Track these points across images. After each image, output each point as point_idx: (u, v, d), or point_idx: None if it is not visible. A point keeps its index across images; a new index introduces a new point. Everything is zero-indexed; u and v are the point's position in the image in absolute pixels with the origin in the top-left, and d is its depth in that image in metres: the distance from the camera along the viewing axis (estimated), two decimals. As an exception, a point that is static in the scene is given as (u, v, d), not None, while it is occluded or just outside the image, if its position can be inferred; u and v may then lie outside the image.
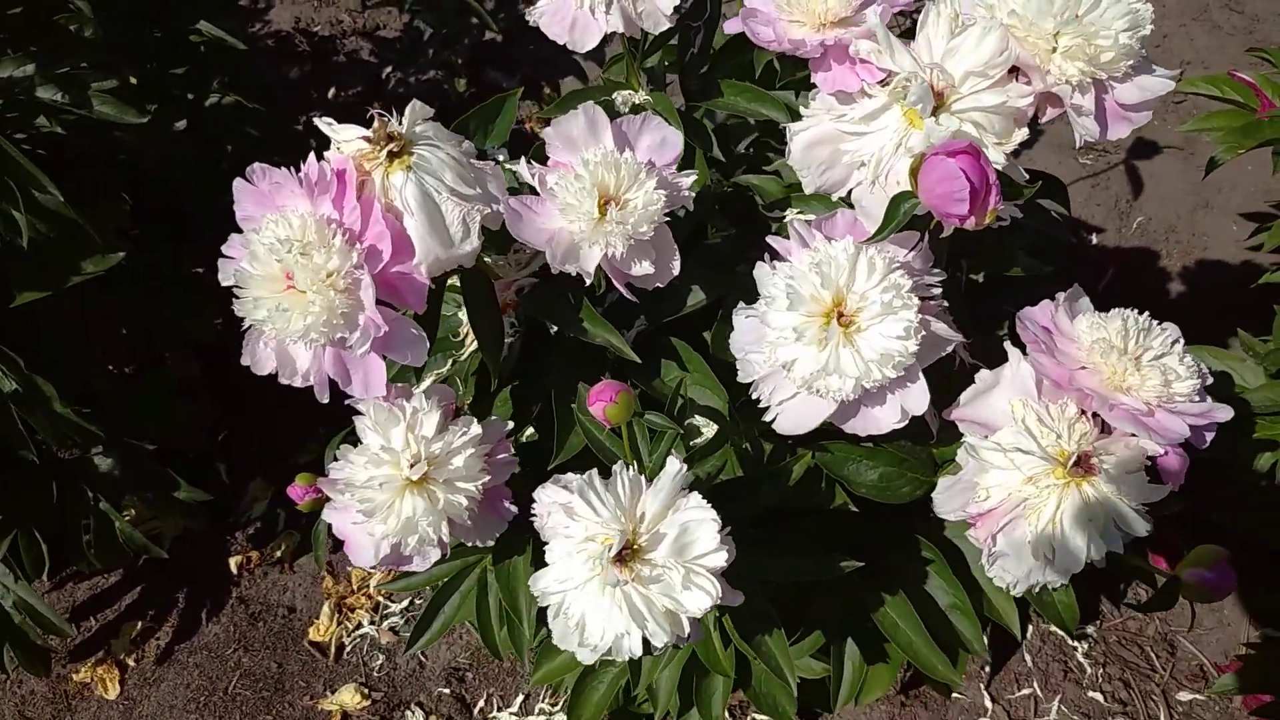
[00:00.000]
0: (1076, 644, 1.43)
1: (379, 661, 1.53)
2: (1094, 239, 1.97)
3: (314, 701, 1.50)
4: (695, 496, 0.71)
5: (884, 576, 1.02)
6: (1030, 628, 1.45)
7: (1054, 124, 2.13)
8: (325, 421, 1.75)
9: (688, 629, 0.71)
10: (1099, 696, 1.38)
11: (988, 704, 1.38)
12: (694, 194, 0.82)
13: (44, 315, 1.16)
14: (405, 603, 1.58)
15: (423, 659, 1.52)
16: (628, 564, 0.69)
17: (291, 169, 0.73)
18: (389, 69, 2.38)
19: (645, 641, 0.71)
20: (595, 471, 0.71)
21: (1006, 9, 0.71)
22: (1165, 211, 2.00)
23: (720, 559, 0.70)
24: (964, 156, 0.63)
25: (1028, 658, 1.42)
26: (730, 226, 1.06)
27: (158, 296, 1.38)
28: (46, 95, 0.98)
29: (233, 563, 1.63)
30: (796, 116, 0.81)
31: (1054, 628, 1.45)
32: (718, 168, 1.13)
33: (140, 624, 1.58)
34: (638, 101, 1.00)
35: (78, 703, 1.52)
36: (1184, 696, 1.39)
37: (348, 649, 1.54)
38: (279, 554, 1.63)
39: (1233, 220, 1.97)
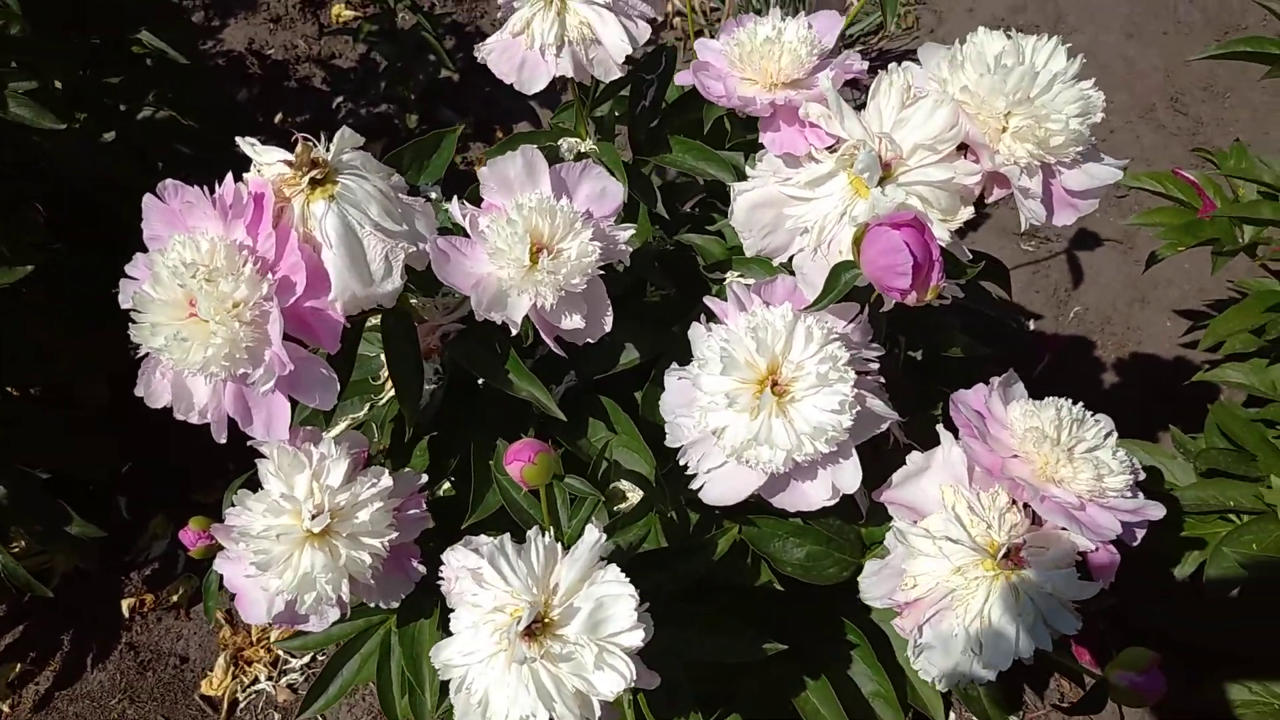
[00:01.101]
0: (1000, 736, 1.40)
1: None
2: (1031, 324, 1.99)
3: (200, 760, 1.41)
4: (613, 569, 0.67)
5: (808, 659, 0.99)
6: (953, 714, 1.42)
7: (998, 207, 2.16)
8: (236, 458, 1.68)
9: (599, 712, 0.66)
10: (1017, 792, 1.36)
11: (908, 793, 1.34)
12: (632, 249, 0.79)
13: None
14: (306, 659, 1.50)
15: None
16: (537, 639, 0.64)
17: (205, 189, 0.69)
18: (340, 98, 2.34)
19: (551, 722, 0.66)
20: (508, 536, 0.67)
21: (959, 84, 0.70)
22: (1103, 302, 2.02)
23: (636, 638, 0.66)
24: (909, 230, 0.61)
25: (953, 748, 1.39)
26: (670, 285, 1.04)
27: (70, 318, 1.31)
28: (-45, 95, 0.93)
29: (125, 605, 1.54)
30: (743, 178, 0.79)
31: (971, 714, 1.42)
32: (662, 225, 1.11)
33: (19, 666, 1.48)
34: (583, 150, 0.98)
35: (-60, 748, 1.42)
36: (1103, 796, 1.36)
37: (241, 705, 1.46)
38: (175, 598, 1.55)
39: (1167, 316, 2.00)
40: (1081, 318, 2.01)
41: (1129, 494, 0.74)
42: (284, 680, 1.48)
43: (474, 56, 2.23)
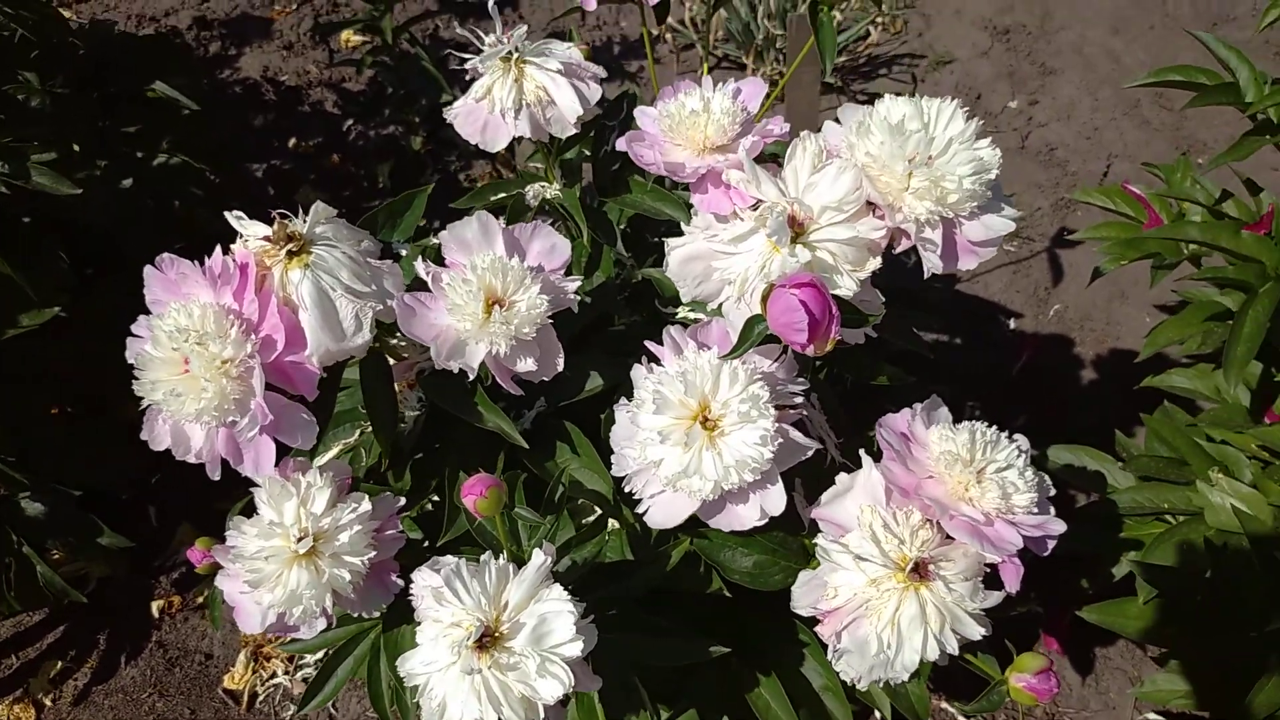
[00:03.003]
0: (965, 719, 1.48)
1: (289, 712, 1.54)
2: (1012, 323, 2.04)
3: (225, 749, 1.52)
4: (557, 588, 0.75)
5: (762, 658, 1.06)
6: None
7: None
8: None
9: (543, 715, 0.74)
10: (982, 772, 1.43)
11: (876, 776, 1.42)
12: (583, 296, 0.86)
13: (-25, 366, 1.19)
14: (319, 655, 1.60)
15: (333, 710, 1.54)
16: (488, 650, 0.72)
17: (197, 262, 0.77)
18: (351, 121, 2.43)
19: (502, 723, 0.74)
20: (463, 561, 0.75)
21: (864, 150, 0.77)
22: (1082, 300, 2.07)
23: (575, 649, 0.74)
24: (808, 289, 0.69)
25: (917, 733, 1.46)
26: (635, 315, 1.11)
27: (105, 343, 1.41)
28: (-14, 165, 1.02)
29: (155, 606, 1.64)
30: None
31: (945, 704, 1.49)
32: (634, 255, 1.18)
33: (60, 663, 1.59)
34: (549, 196, 1.05)
35: (-10, 740, 1.52)
36: (1065, 776, 1.43)
37: (260, 698, 1.56)
38: (201, 600, 1.65)
39: (1146, 313, 2.04)
40: (1061, 315, 2.06)
41: (1035, 510, 0.81)
42: (299, 674, 1.58)
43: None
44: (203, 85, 2.20)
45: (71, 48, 1.43)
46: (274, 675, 1.57)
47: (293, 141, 2.38)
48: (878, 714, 1.45)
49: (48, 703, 1.56)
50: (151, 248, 1.50)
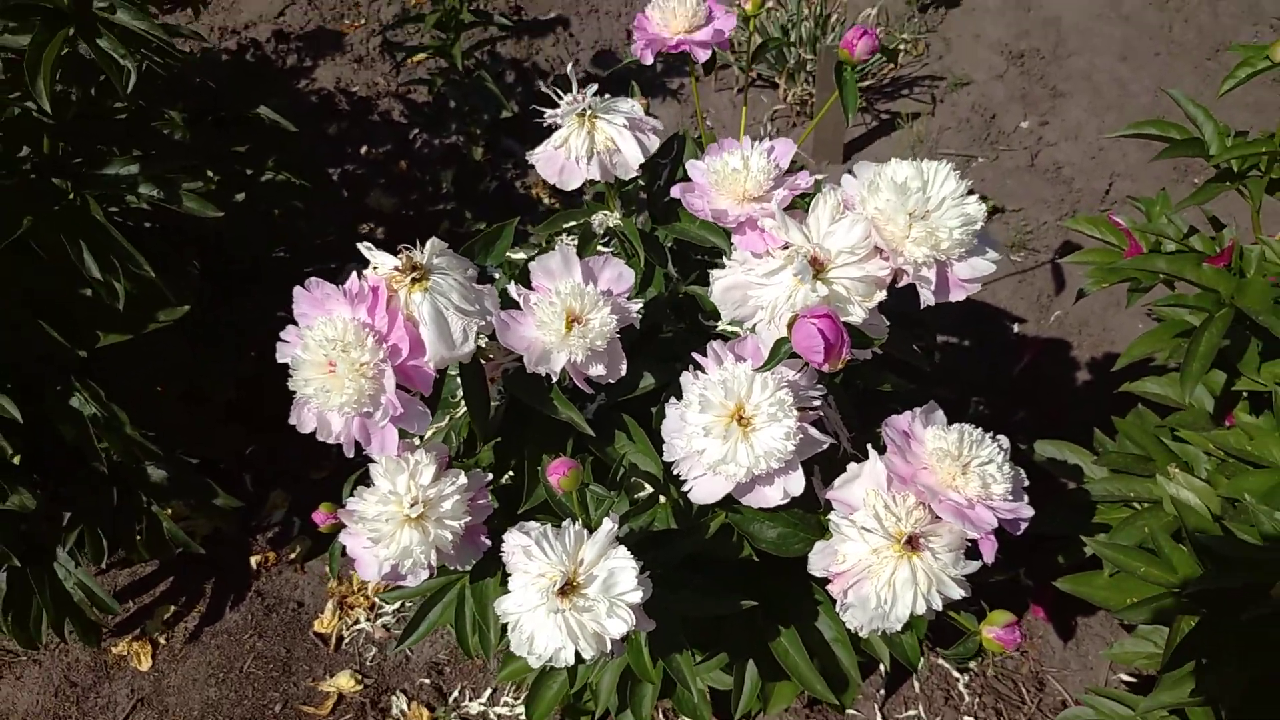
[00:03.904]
0: (959, 675, 1.63)
1: (372, 653, 1.73)
2: (1016, 328, 2.18)
3: (315, 683, 1.70)
4: (622, 549, 0.92)
5: (782, 614, 1.23)
6: (923, 660, 1.65)
7: (999, 225, 2.31)
8: (336, 446, 1.96)
9: (610, 647, 0.91)
10: (972, 722, 1.59)
11: (879, 722, 1.59)
12: (641, 313, 1.03)
13: (122, 353, 1.37)
14: (397, 605, 1.78)
15: (409, 654, 1.72)
16: (567, 596, 0.89)
17: (338, 285, 0.94)
18: (417, 130, 2.60)
19: (577, 654, 0.91)
20: (549, 526, 0.92)
21: (873, 205, 0.92)
22: (1082, 307, 2.21)
23: (637, 596, 0.91)
24: (824, 320, 0.84)
25: (917, 685, 1.63)
26: (680, 324, 1.27)
27: (211, 340, 1.59)
28: (146, 191, 1.19)
29: (253, 561, 1.83)
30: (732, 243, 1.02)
31: (941, 659, 1.65)
32: (680, 271, 1.34)
33: (172, 608, 1.78)
34: (610, 224, 1.21)
35: (115, 672, 1.72)
36: (1046, 729, 1.59)
37: (346, 641, 1.74)
38: (293, 556, 1.84)
39: (1139, 320, 2.18)
40: (1061, 321, 2.20)
41: (1009, 498, 0.96)
42: (379, 621, 1.76)
43: (530, 94, 2.47)
44: (285, 99, 2.37)
45: (189, 77, 1.60)
46: (357, 622, 1.76)
47: (364, 149, 2.55)
48: (882, 667, 1.62)
49: (162, 641, 1.76)
50: (259, 256, 1.68)
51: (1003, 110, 2.64)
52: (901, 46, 2.73)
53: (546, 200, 2.44)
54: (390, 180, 2.47)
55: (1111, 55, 2.77)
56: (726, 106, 2.68)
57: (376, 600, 1.78)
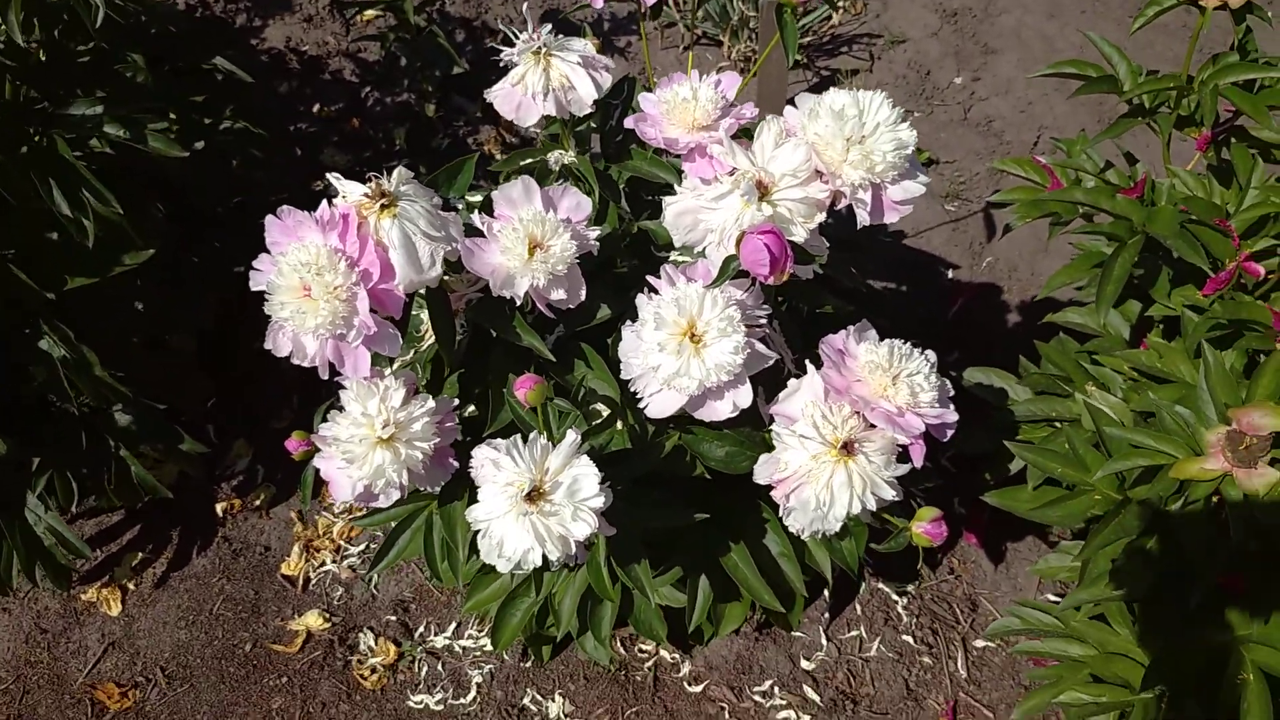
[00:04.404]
0: (898, 598, 1.73)
1: (339, 593, 1.77)
2: (950, 273, 2.27)
3: (284, 623, 1.74)
4: (585, 458, 0.98)
5: (733, 530, 1.30)
6: (864, 585, 1.74)
7: (933, 177, 2.39)
8: (299, 392, 2.00)
9: (574, 550, 0.98)
10: (910, 640, 1.68)
11: (824, 642, 1.67)
12: (599, 242, 1.08)
13: (89, 297, 1.39)
14: (362, 546, 1.82)
15: (374, 592, 1.77)
16: (534, 502, 0.95)
17: (309, 212, 0.98)
18: (368, 89, 2.61)
19: (545, 558, 0.97)
20: (518, 437, 0.98)
21: (813, 131, 0.99)
22: (1011, 253, 2.31)
23: (599, 501, 0.97)
24: (769, 235, 0.91)
25: (858, 608, 1.71)
26: (634, 259, 1.33)
27: (173, 286, 1.61)
28: (112, 131, 1.21)
29: (219, 508, 1.86)
30: (682, 179, 1.08)
31: (881, 584, 1.74)
32: (632, 209, 1.40)
33: (140, 555, 1.81)
34: (566, 162, 1.26)
35: (85, 618, 1.74)
36: (979, 644, 1.69)
37: (313, 582, 1.79)
38: (258, 503, 1.87)
39: (1065, 262, 2.28)
40: (993, 266, 2.30)
41: (936, 405, 1.03)
42: (345, 562, 1.80)
43: (481, 50, 2.49)
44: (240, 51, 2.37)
45: (144, 26, 1.61)
46: (323, 564, 1.80)
47: (316, 107, 2.56)
48: (826, 593, 1.70)
49: (131, 587, 1.78)
50: (218, 203, 1.70)
51: (937, 67, 2.72)
52: (841, 5, 2.79)
53: (499, 155, 2.47)
54: (343, 138, 2.48)
55: (1040, 13, 2.86)
56: (673, 64, 2.72)
57: (341, 542, 1.83)
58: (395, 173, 0.99)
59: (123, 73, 1.31)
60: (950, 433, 1.06)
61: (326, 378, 1.01)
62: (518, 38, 1.15)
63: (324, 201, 0.99)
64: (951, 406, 1.05)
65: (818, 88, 2.65)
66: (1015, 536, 1.82)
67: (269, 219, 1.00)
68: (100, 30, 1.12)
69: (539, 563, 0.97)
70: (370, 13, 2.70)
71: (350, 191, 0.98)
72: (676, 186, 1.07)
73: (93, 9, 1.08)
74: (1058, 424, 1.41)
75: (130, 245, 1.36)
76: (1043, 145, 2.55)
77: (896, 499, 1.01)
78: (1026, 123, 2.60)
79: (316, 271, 0.94)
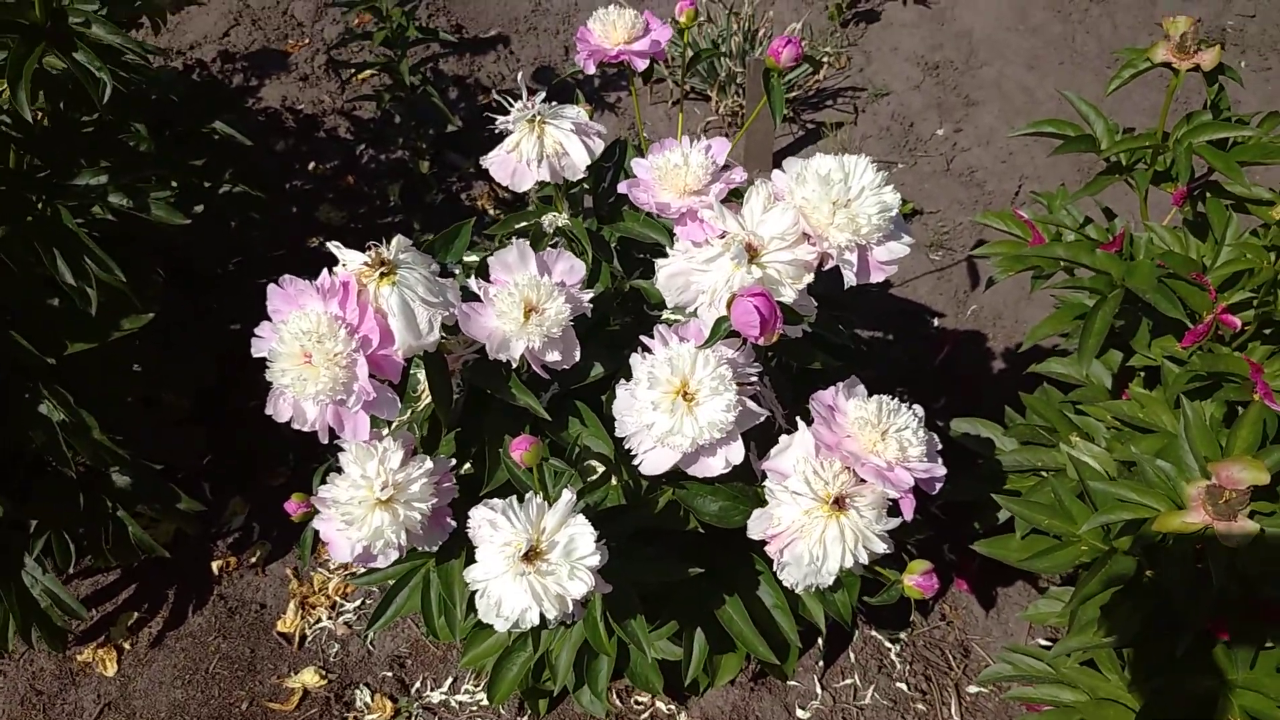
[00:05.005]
0: (890, 645, 1.73)
1: (335, 649, 1.77)
2: (935, 322, 2.30)
3: (280, 680, 1.74)
4: (580, 517, 0.99)
5: (726, 583, 1.31)
6: (857, 633, 1.75)
7: (918, 226, 2.43)
8: (294, 449, 2.01)
9: (571, 608, 0.99)
10: (904, 687, 1.68)
11: (819, 691, 1.67)
12: (593, 301, 1.10)
13: (87, 360, 1.40)
14: (358, 602, 1.82)
15: (370, 648, 1.77)
16: (531, 561, 0.96)
17: (310, 280, 1.00)
18: (363, 146, 2.65)
19: (542, 617, 0.98)
20: (514, 498, 0.99)
21: (800, 195, 1.02)
22: (995, 301, 2.34)
23: (595, 560, 0.98)
24: (759, 298, 0.93)
25: (852, 655, 1.72)
26: (626, 317, 1.35)
27: (170, 346, 1.63)
28: (116, 200, 1.23)
29: (214, 566, 1.86)
30: (673, 240, 1.10)
31: (874, 632, 1.75)
32: (624, 268, 1.42)
33: (135, 614, 1.80)
34: (560, 224, 1.29)
35: (81, 678, 1.73)
36: (972, 690, 1.69)
37: (309, 639, 1.78)
38: (254, 560, 1.87)
39: (1048, 312, 2.31)
40: (977, 314, 2.33)
41: (925, 460, 1.05)
42: (341, 618, 1.80)
43: (474, 108, 2.54)
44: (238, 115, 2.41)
45: (146, 94, 1.64)
46: (319, 620, 1.80)
47: (312, 164, 2.60)
48: (820, 641, 1.71)
49: (127, 646, 1.78)
50: (217, 265, 1.72)
51: (920, 118, 2.77)
52: (825, 59, 2.85)
53: (492, 211, 2.50)
54: (338, 195, 2.51)
55: (1020, 65, 2.93)
56: (662, 119, 2.77)
57: (337, 599, 1.83)
58: (394, 241, 1.01)
59: (126, 142, 1.33)
60: (939, 486, 1.07)
61: (326, 441, 1.02)
62: (511, 104, 1.18)
63: (324, 270, 1.01)
64: (940, 460, 1.07)
65: (803, 140, 2.71)
66: (1005, 582, 1.83)
67: (271, 287, 1.02)
68: (106, 103, 1.15)
69: (536, 621, 0.98)
70: (367, 71, 2.75)
71: (350, 260, 1.01)
72: (667, 246, 1.10)
73: (100, 84, 1.11)
74: (1044, 473, 1.43)
75: (130, 309, 1.38)
76: (1024, 195, 2.60)
77: (888, 552, 1.03)
78: (1008, 173, 2.66)
79: (317, 339, 0.95)
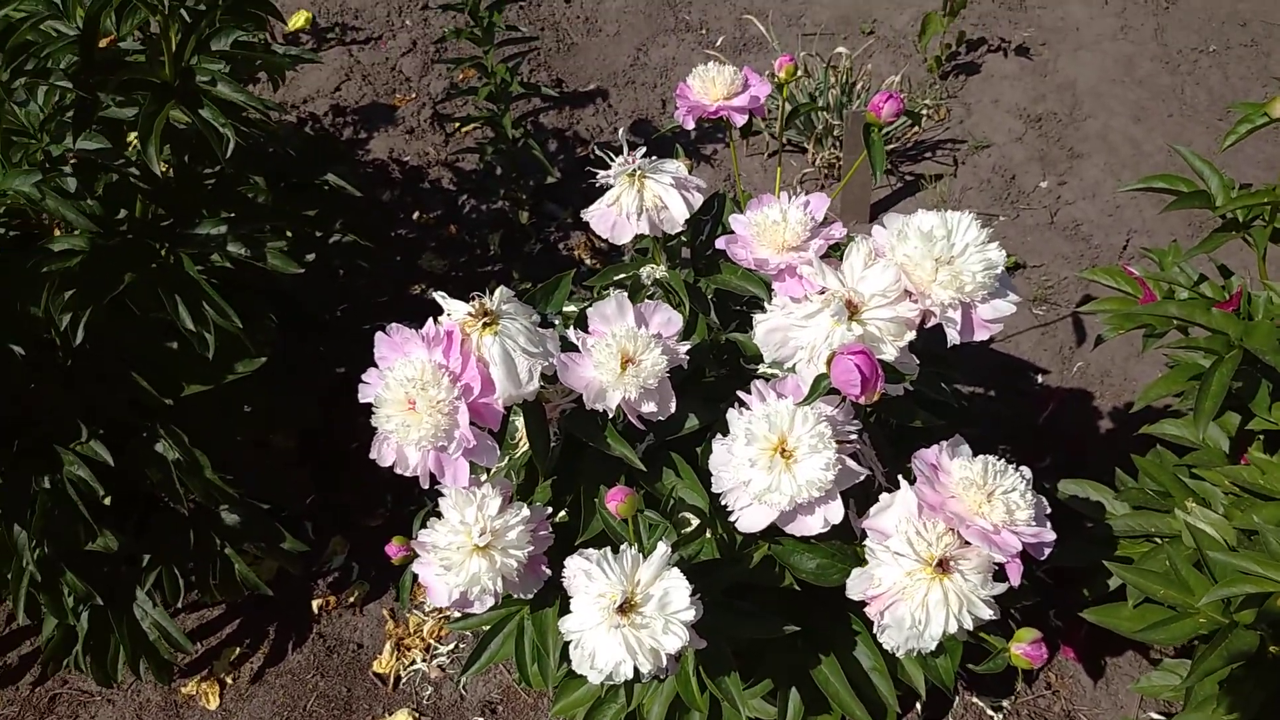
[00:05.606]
0: (993, 713, 1.66)
1: (428, 692, 1.78)
2: (1039, 379, 2.24)
3: (373, 721, 1.76)
4: (676, 571, 0.99)
5: (822, 643, 1.28)
6: (958, 699, 1.69)
7: (1021, 281, 2.38)
8: (392, 490, 2.05)
9: (665, 662, 0.98)
10: (1007, 758, 1.62)
11: (916, 758, 1.62)
12: (690, 352, 1.11)
13: (201, 400, 1.46)
14: (452, 645, 1.84)
15: (463, 692, 1.78)
16: (626, 614, 0.96)
17: (415, 328, 1.03)
18: (465, 196, 2.72)
19: (635, 670, 0.97)
20: (609, 549, 0.99)
21: (902, 252, 1.00)
22: (1103, 358, 2.26)
23: (690, 614, 0.97)
24: (860, 356, 0.92)
25: (952, 723, 1.66)
26: (722, 369, 1.35)
27: (277, 390, 1.69)
28: (235, 250, 1.29)
29: (314, 604, 1.90)
30: (771, 293, 1.10)
31: (975, 698, 1.68)
32: (721, 320, 1.42)
33: (238, 650, 1.85)
34: (658, 276, 1.30)
35: (185, 711, 1.78)
36: (1081, 764, 1.61)
37: (403, 680, 1.80)
38: (352, 600, 1.91)
39: (1158, 369, 2.23)
40: (1083, 371, 2.26)
41: (1032, 524, 1.01)
42: (435, 661, 1.82)
43: (573, 160, 2.60)
44: (350, 167, 2.51)
45: (263, 147, 1.72)
46: (414, 662, 1.82)
47: (416, 214, 2.68)
48: (919, 705, 1.65)
49: (228, 681, 1.82)
50: (326, 311, 1.78)
51: (1022, 171, 2.72)
52: (924, 111, 2.83)
53: (588, 261, 2.54)
54: (440, 243, 2.58)
55: (1126, 117, 2.86)
56: (758, 170, 2.78)
57: (432, 641, 1.85)
58: (498, 292, 1.03)
59: (245, 193, 1.40)
60: (1048, 551, 1.03)
61: (427, 486, 1.04)
62: (611, 158, 1.20)
63: (429, 319, 1.03)
64: (1049, 524, 1.03)
65: (901, 192, 2.68)
66: (1114, 651, 1.74)
67: (378, 335, 1.05)
68: (228, 157, 1.21)
69: (630, 675, 0.97)
70: (470, 125, 2.84)
71: (455, 309, 1.03)
72: (765, 299, 1.10)
73: (224, 139, 1.17)
74: (1158, 540, 1.36)
75: (244, 353, 1.44)
76: (1132, 249, 2.52)
77: (994, 618, 0.99)
78: (1115, 226, 2.58)
79: (421, 386, 0.98)
